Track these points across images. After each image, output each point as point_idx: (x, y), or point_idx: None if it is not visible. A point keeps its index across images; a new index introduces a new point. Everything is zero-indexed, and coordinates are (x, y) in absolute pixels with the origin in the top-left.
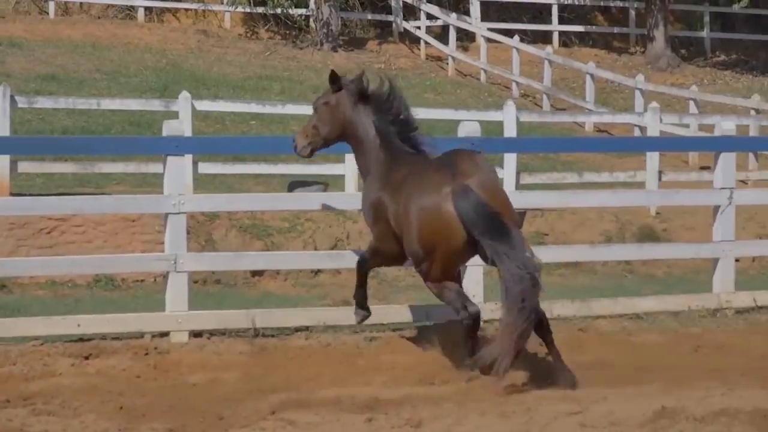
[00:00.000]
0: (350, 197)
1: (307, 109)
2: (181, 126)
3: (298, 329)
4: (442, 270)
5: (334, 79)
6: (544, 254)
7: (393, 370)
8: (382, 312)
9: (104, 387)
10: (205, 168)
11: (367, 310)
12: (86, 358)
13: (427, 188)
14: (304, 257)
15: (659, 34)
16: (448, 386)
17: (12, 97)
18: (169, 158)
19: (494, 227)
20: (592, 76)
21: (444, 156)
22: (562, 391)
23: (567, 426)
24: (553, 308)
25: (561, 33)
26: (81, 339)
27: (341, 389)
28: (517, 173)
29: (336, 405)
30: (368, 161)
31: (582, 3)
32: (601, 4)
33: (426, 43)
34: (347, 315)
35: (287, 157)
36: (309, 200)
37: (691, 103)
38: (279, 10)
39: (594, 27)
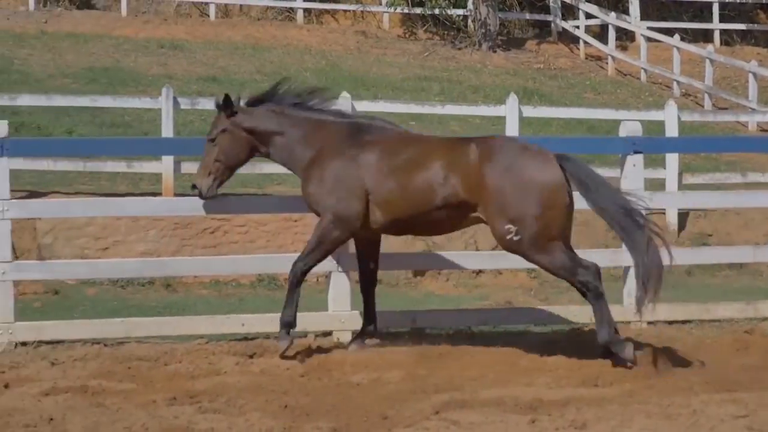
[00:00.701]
0: None
1: (468, 110)
2: None
3: (459, 330)
4: (562, 227)
5: (228, 103)
6: (708, 255)
7: (556, 371)
8: (545, 313)
9: (268, 386)
10: None
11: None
12: (250, 356)
13: (527, 156)
14: (465, 257)
15: None
16: (612, 388)
17: (175, 99)
18: None
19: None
20: (754, 74)
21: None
22: (729, 394)
23: (734, 429)
24: (717, 310)
25: (722, 31)
26: (245, 338)
27: (504, 390)
28: (680, 173)
29: (499, 405)
30: (300, 150)
31: (744, 1)
32: (764, 1)
33: (585, 42)
34: (508, 316)
35: None
36: None
37: None
38: (437, 11)
39: (756, 25)
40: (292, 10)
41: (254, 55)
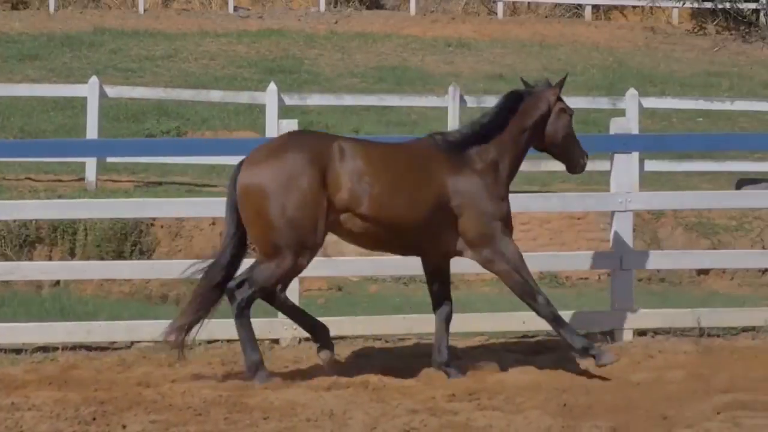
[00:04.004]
0: None
1: (759, 105)
2: (629, 124)
3: (744, 329)
4: None
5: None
6: None
7: None
8: None
9: (548, 384)
10: (651, 166)
11: None
12: (530, 354)
13: None
14: (752, 256)
15: None
16: None
17: (461, 97)
18: (617, 156)
19: None
20: None
21: None
22: None
23: None
24: None
25: None
26: (525, 336)
27: None
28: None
29: None
30: None
31: None
32: None
33: None
34: None
35: (735, 154)
36: (757, 198)
37: None
38: (728, 5)
39: None
40: (580, 6)
41: (541, 52)
